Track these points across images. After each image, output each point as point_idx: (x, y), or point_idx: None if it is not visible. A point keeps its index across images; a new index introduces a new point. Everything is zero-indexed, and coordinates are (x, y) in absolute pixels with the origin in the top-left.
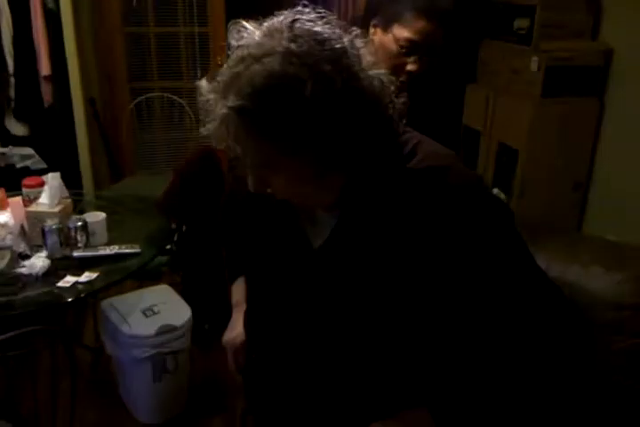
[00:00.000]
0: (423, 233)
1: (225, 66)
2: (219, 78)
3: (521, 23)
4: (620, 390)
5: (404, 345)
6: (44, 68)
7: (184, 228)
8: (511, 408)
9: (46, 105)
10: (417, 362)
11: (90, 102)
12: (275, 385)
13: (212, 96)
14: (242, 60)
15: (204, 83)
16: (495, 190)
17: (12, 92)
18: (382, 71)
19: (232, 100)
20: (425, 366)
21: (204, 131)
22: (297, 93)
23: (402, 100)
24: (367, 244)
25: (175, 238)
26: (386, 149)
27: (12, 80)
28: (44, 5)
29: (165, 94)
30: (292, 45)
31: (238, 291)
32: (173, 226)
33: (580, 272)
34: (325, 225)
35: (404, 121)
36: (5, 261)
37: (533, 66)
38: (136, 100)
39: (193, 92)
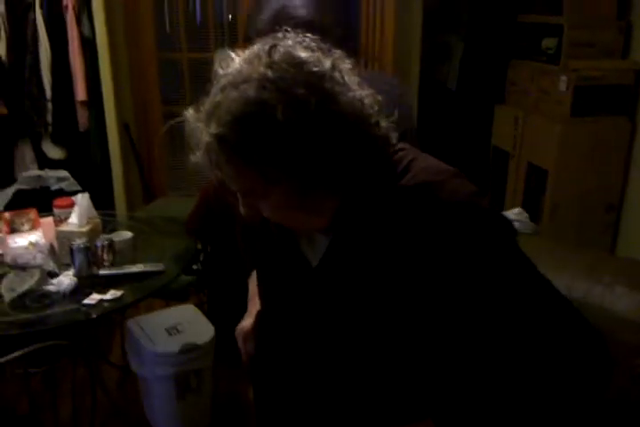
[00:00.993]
0: (414, 251)
1: (210, 95)
2: (202, 107)
3: (549, 43)
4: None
5: (402, 357)
6: (80, 93)
7: (209, 248)
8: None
9: (82, 129)
10: (416, 372)
11: (124, 128)
12: (278, 387)
13: (198, 124)
14: (223, 88)
15: (190, 111)
16: (517, 210)
17: (49, 117)
18: (367, 92)
19: (214, 128)
20: (425, 376)
21: (193, 158)
22: (270, 118)
23: (391, 118)
24: (360, 262)
25: (201, 258)
26: (376, 169)
27: (50, 106)
28: (81, 33)
29: None
30: (269, 72)
31: (254, 283)
32: (199, 246)
33: (604, 292)
34: (322, 245)
35: (395, 140)
36: (35, 279)
37: (562, 85)
38: (168, 124)
39: None
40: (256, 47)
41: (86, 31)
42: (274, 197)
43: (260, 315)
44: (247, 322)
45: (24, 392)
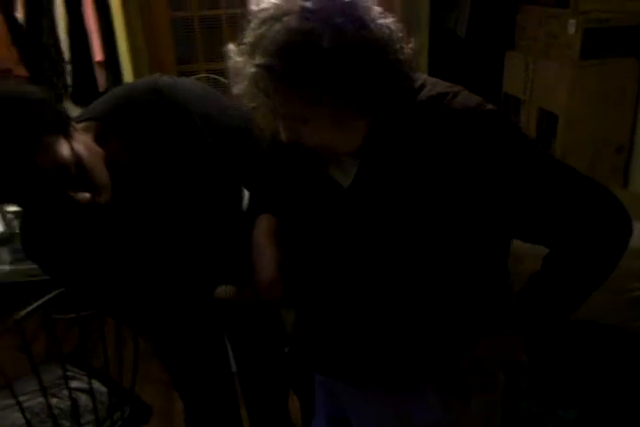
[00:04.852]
0: (442, 157)
1: (249, 29)
2: (245, 40)
3: None
4: (635, 338)
5: (441, 272)
6: (97, 54)
7: None
8: (577, 299)
9: (101, 89)
10: (456, 288)
11: None
12: (311, 319)
13: (239, 58)
14: (264, 21)
15: (231, 47)
16: None
17: (68, 79)
18: (390, 19)
19: (259, 59)
20: (465, 291)
21: (235, 90)
22: (315, 46)
23: (410, 45)
24: (392, 178)
25: None
26: (401, 88)
27: (69, 67)
28: None
29: (211, 75)
30: (307, 3)
31: (261, 235)
32: None
33: None
34: (352, 168)
35: (413, 64)
36: None
37: (571, 28)
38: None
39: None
40: None
41: None
42: (317, 118)
43: (283, 258)
44: (265, 273)
45: (67, 337)
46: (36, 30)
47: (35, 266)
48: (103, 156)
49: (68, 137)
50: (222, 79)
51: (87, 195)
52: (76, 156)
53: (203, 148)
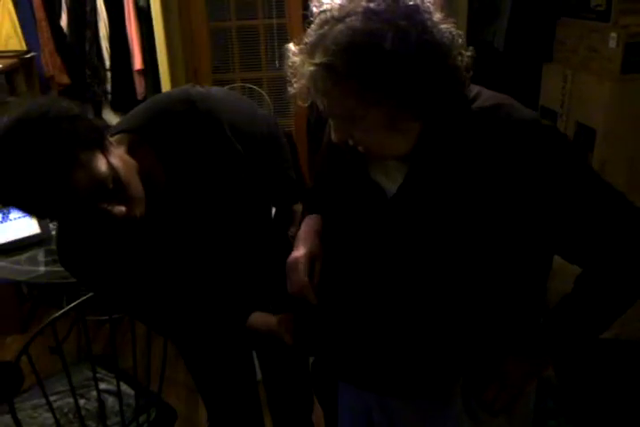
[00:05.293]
0: (495, 169)
1: (309, 30)
2: (305, 40)
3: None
4: None
5: (481, 286)
6: (137, 62)
7: None
8: (606, 320)
9: (139, 97)
10: (495, 303)
11: None
12: (344, 327)
13: (297, 58)
14: (326, 22)
15: (291, 46)
16: None
17: (108, 86)
18: (451, 26)
19: (319, 58)
20: (503, 307)
21: (291, 90)
22: (378, 47)
23: (469, 53)
24: (440, 187)
25: None
26: (456, 94)
27: (109, 75)
28: (136, 4)
29: (246, 85)
30: (371, 5)
31: (308, 226)
32: None
33: None
34: (398, 174)
35: (471, 73)
36: None
37: (612, 42)
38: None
39: (272, 82)
40: None
41: (141, 1)
42: (370, 119)
43: (323, 257)
44: (297, 253)
45: (97, 338)
46: (79, 39)
47: None
48: (137, 168)
49: (105, 151)
50: (257, 88)
51: (123, 208)
52: (113, 170)
53: (233, 156)
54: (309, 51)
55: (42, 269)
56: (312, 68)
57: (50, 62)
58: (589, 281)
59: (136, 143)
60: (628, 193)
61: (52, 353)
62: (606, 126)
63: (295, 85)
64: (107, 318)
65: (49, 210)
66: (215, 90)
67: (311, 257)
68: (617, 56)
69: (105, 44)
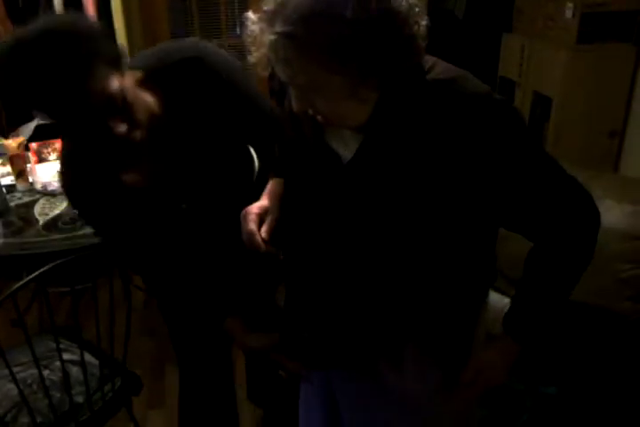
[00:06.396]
0: (447, 140)
1: None
2: (265, 8)
3: None
4: (625, 318)
5: (430, 251)
6: None
7: None
8: (562, 293)
9: None
10: (444, 268)
11: None
12: (302, 282)
13: (256, 26)
14: None
15: (250, 14)
16: None
17: None
18: None
19: (279, 27)
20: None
21: (250, 59)
22: (339, 15)
23: (424, 22)
24: (393, 155)
25: None
26: (412, 64)
27: None
28: None
29: None
30: None
31: (270, 187)
32: None
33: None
34: (354, 142)
35: (426, 42)
36: (65, 204)
37: (568, 12)
38: None
39: (233, 48)
40: None
41: None
42: (331, 87)
43: (279, 218)
44: (255, 206)
45: (59, 310)
46: (33, 4)
47: (27, 240)
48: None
49: (120, 72)
50: None
51: (125, 127)
52: (123, 91)
53: (225, 110)
54: (269, 19)
55: (0, 240)
56: (273, 37)
57: (2, 29)
58: (536, 257)
59: (143, 80)
60: (584, 159)
61: (14, 326)
62: (562, 95)
63: (255, 54)
64: (68, 289)
65: (59, 109)
66: (222, 51)
67: (262, 210)
68: (573, 26)
69: (59, 9)
